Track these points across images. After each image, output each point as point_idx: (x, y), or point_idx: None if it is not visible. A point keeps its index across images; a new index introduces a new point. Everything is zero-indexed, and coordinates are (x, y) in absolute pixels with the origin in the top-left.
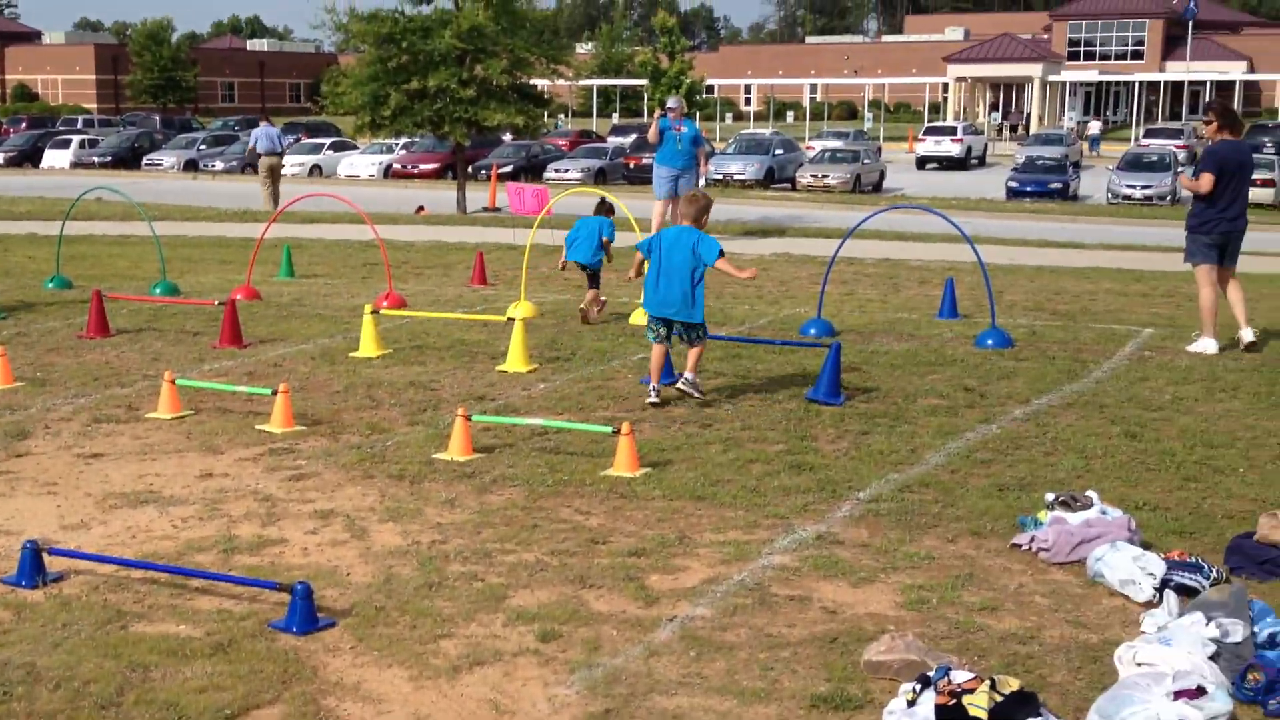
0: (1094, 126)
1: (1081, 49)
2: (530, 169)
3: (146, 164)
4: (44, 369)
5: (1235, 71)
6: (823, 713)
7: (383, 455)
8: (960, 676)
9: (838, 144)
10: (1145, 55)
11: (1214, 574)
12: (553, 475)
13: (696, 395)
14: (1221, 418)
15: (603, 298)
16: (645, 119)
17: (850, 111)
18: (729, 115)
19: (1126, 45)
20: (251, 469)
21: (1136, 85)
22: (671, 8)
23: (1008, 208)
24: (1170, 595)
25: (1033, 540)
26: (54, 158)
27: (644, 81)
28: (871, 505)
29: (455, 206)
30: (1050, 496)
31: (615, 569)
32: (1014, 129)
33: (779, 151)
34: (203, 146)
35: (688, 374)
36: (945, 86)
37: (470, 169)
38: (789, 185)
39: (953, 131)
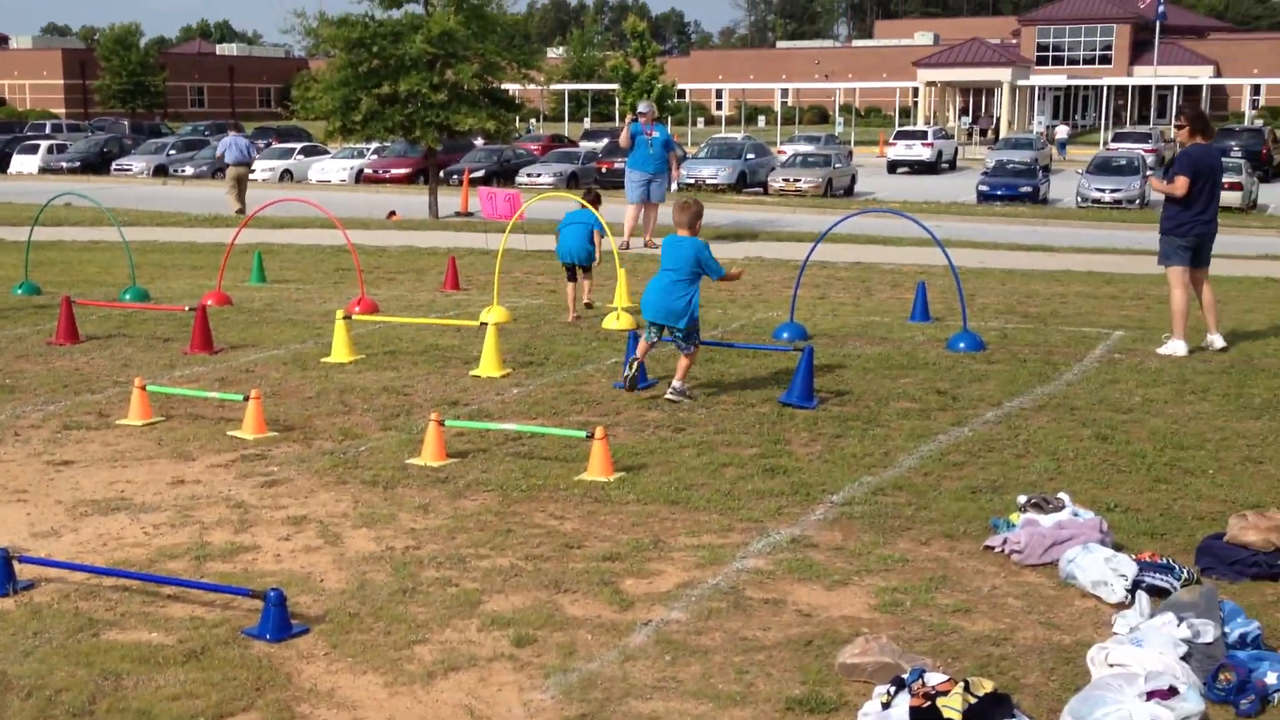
0: (1061, 131)
1: (1050, 54)
2: (502, 173)
3: (116, 169)
4: (13, 376)
5: (1202, 76)
6: (798, 715)
7: (356, 461)
8: (934, 679)
9: (809, 148)
10: (1113, 60)
11: (1185, 575)
12: (527, 480)
13: (686, 401)
14: (1191, 419)
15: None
16: (617, 124)
17: (821, 116)
18: (700, 120)
19: (1094, 50)
20: (224, 475)
21: (1105, 89)
22: (642, 12)
23: (978, 211)
24: (1142, 596)
25: (1005, 542)
26: (22, 163)
27: (615, 86)
28: (845, 508)
29: (427, 211)
30: (1022, 499)
31: (590, 573)
32: (984, 133)
33: (751, 156)
34: (172, 152)
35: (676, 382)
36: (915, 91)
37: (442, 174)
38: (761, 189)
39: (923, 136)
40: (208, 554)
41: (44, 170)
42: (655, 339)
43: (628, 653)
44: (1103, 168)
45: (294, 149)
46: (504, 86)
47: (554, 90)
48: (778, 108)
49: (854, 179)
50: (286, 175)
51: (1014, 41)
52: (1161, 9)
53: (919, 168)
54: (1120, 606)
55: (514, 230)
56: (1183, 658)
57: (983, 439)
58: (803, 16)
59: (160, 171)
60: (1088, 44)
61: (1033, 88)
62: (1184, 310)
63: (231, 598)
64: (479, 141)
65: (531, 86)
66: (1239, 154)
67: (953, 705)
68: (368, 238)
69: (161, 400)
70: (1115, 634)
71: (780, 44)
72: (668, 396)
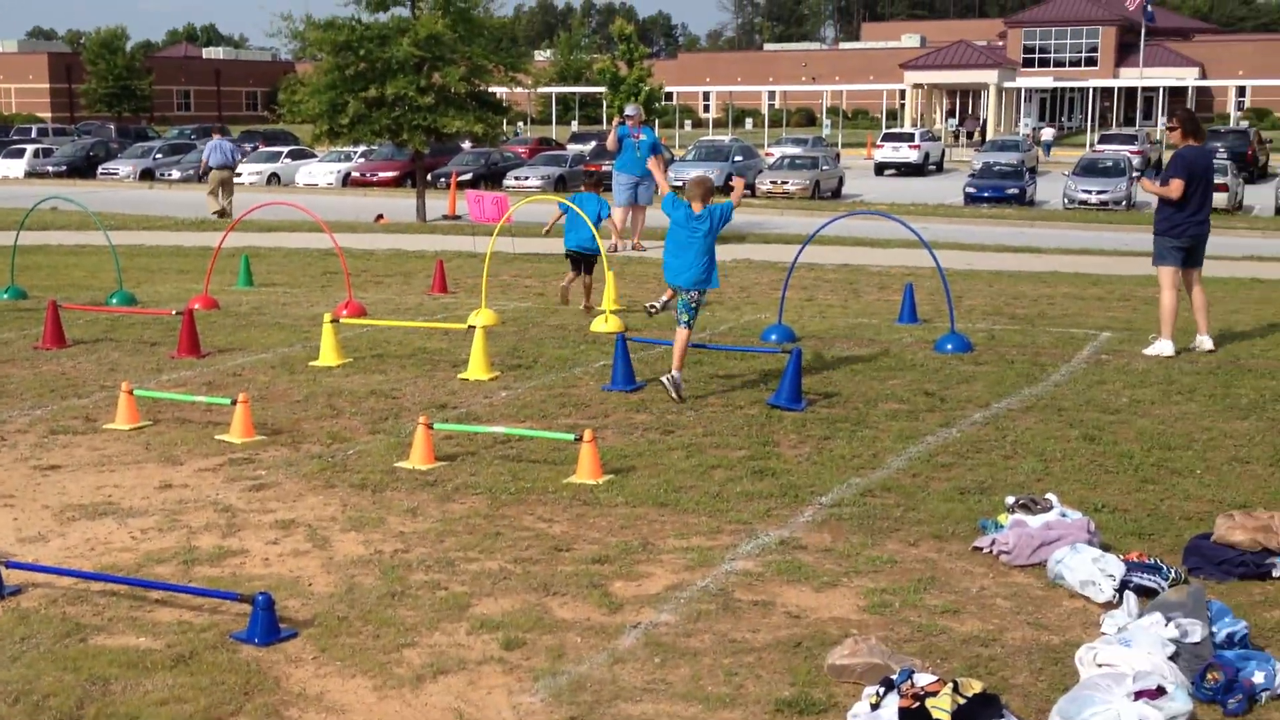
0: (1047, 133)
1: (1036, 56)
2: (490, 176)
3: (102, 173)
4: None
5: (1188, 77)
6: (787, 717)
7: (344, 464)
8: (923, 679)
9: (796, 150)
10: (1099, 62)
11: (1172, 575)
12: (515, 483)
13: (674, 395)
14: (1178, 420)
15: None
16: (604, 126)
17: (809, 118)
18: (688, 122)
19: (1081, 52)
20: (211, 479)
21: (1091, 91)
22: (629, 15)
23: (965, 213)
24: (1130, 596)
25: (994, 543)
26: (7, 167)
27: (603, 89)
28: (834, 510)
29: (415, 214)
30: (1010, 499)
31: (579, 576)
32: (970, 135)
33: (738, 158)
34: (159, 155)
35: (675, 372)
36: (902, 93)
37: (429, 177)
38: (748, 192)
39: (910, 138)
40: (195, 558)
41: (30, 174)
42: (688, 323)
43: (617, 655)
44: (1089, 169)
45: (281, 152)
46: (491, 89)
47: (541, 93)
48: (765, 110)
49: (841, 181)
50: (274, 179)
51: (1000, 44)
52: (1150, 11)
53: (906, 170)
54: (1108, 606)
55: (502, 233)
56: (1170, 657)
57: (971, 440)
58: (790, 19)
59: (146, 175)
60: (1074, 46)
61: (1019, 90)
62: (1173, 311)
63: (220, 602)
64: (466, 144)
65: (519, 89)
66: (1225, 155)
67: (941, 706)
68: (355, 241)
69: (149, 404)
70: (1103, 634)
71: (767, 47)
72: (663, 379)
